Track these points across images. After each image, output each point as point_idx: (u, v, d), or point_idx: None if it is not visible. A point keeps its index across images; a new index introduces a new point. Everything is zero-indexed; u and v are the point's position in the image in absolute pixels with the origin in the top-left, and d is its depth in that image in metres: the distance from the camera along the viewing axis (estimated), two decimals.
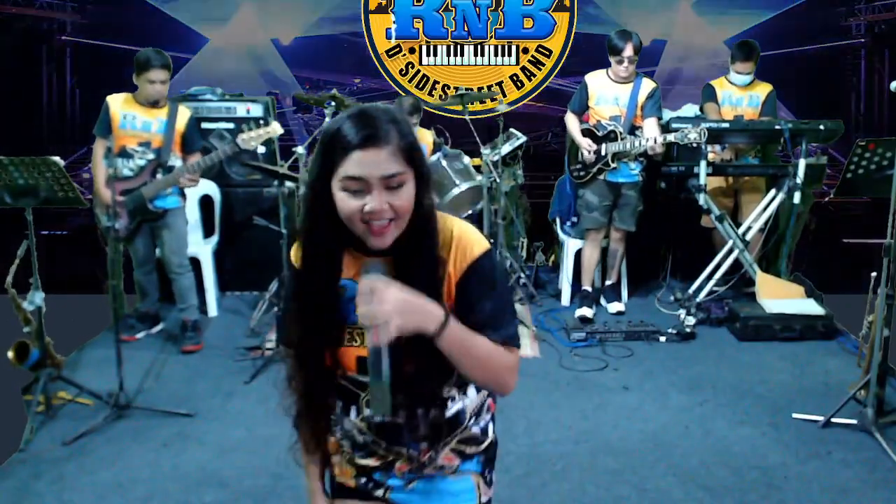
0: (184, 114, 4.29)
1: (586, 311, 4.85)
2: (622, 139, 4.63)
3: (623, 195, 4.78)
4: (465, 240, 1.38)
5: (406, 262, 1.34)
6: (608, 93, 4.73)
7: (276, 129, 4.20)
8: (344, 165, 1.28)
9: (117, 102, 4.23)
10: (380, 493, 1.53)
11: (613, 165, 4.68)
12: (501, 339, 1.36)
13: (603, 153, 4.68)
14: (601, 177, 4.74)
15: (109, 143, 4.02)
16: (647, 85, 4.71)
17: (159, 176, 4.18)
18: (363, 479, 1.54)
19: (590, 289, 4.97)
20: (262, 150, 4.24)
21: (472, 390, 1.49)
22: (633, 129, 4.70)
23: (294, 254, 1.46)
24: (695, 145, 4.50)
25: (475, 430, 1.52)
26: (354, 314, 1.28)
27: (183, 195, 4.39)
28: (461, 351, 1.31)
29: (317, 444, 1.56)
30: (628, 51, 4.55)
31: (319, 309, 1.40)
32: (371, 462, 1.51)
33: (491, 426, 1.57)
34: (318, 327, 1.40)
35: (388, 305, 1.22)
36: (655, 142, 4.50)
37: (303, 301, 1.42)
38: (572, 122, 4.86)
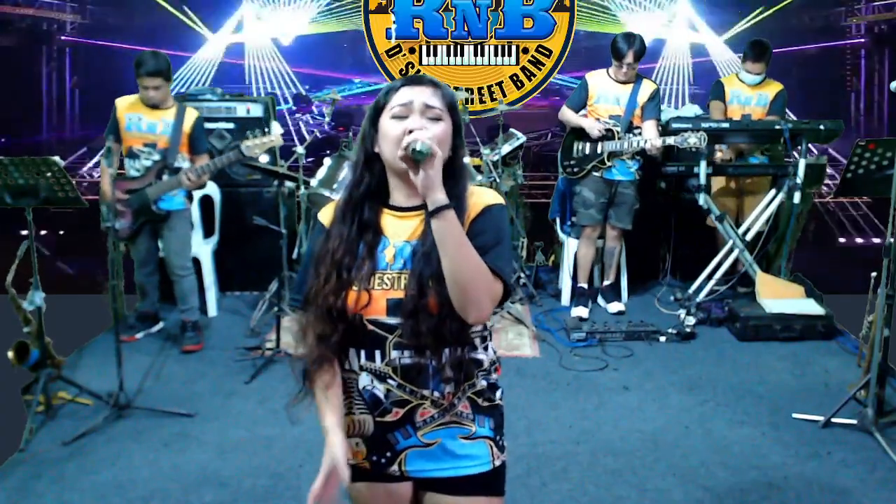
0: (191, 115, 4.27)
1: (582, 311, 4.86)
2: (619, 138, 4.64)
3: (619, 193, 4.78)
4: (486, 194, 1.59)
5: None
6: (610, 92, 4.74)
7: (277, 138, 4.14)
8: (393, 99, 1.54)
9: (124, 104, 4.25)
10: (394, 468, 1.59)
11: (609, 164, 4.69)
12: (494, 266, 1.48)
13: (599, 151, 4.70)
14: (597, 174, 4.75)
15: (109, 144, 4.01)
16: (648, 87, 4.72)
17: (165, 177, 4.17)
18: (375, 457, 1.60)
19: (585, 286, 4.98)
20: (265, 158, 4.21)
21: (489, 347, 1.63)
22: (630, 129, 4.71)
23: (325, 214, 1.63)
24: (694, 150, 4.51)
25: (484, 382, 1.61)
26: (385, 261, 1.53)
27: (189, 198, 4.37)
28: (454, 243, 1.43)
29: (330, 382, 1.60)
30: (629, 57, 4.58)
31: (352, 254, 1.54)
32: (388, 419, 1.56)
33: (499, 392, 1.66)
34: (347, 271, 1.53)
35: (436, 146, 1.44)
36: (652, 144, 4.51)
37: (336, 247, 1.55)
38: (570, 113, 4.84)
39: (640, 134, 4.66)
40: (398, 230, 1.57)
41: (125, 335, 4.45)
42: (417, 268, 1.49)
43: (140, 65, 4.09)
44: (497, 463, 1.62)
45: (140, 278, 4.55)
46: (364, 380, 1.56)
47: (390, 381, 1.54)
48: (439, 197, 1.42)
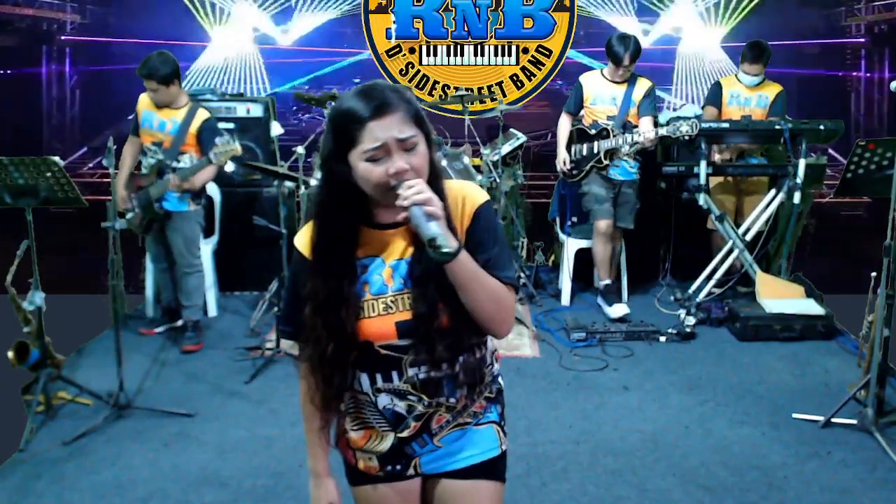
0: (200, 117, 4.20)
1: (621, 309, 4.71)
2: (613, 136, 4.66)
3: (622, 193, 4.81)
4: (470, 192, 1.53)
5: None
6: (605, 93, 4.75)
7: (237, 147, 4.03)
8: (363, 138, 1.39)
9: (143, 101, 4.25)
10: (410, 472, 1.60)
11: (606, 162, 4.71)
12: (505, 278, 1.49)
13: (595, 150, 4.71)
14: (602, 172, 4.76)
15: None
16: (643, 84, 4.73)
17: (167, 177, 4.16)
18: (389, 467, 1.60)
19: (609, 282, 4.92)
20: (230, 167, 4.19)
21: (490, 340, 1.63)
22: (625, 128, 4.72)
23: (302, 243, 1.52)
24: (687, 138, 4.52)
25: (489, 377, 1.64)
26: (383, 283, 1.48)
27: (195, 199, 4.32)
28: (474, 281, 1.43)
29: (327, 423, 1.62)
30: (626, 60, 4.60)
31: (339, 285, 1.47)
32: (406, 434, 1.56)
33: (500, 379, 1.69)
34: (338, 303, 1.47)
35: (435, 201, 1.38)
36: (645, 137, 4.52)
37: (321, 280, 1.47)
38: (563, 128, 4.90)
39: (634, 131, 4.67)
40: (389, 247, 1.51)
41: (145, 328, 4.57)
42: (421, 289, 1.46)
43: (140, 67, 4.08)
44: (504, 447, 1.64)
45: (155, 274, 4.62)
46: (384, 399, 1.54)
47: (410, 397, 1.53)
48: (450, 243, 1.37)
